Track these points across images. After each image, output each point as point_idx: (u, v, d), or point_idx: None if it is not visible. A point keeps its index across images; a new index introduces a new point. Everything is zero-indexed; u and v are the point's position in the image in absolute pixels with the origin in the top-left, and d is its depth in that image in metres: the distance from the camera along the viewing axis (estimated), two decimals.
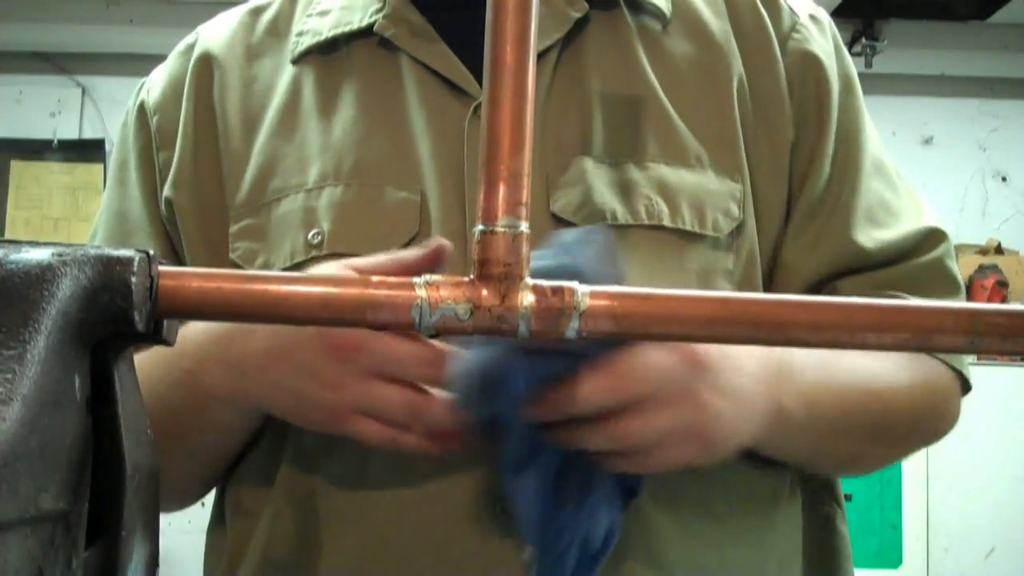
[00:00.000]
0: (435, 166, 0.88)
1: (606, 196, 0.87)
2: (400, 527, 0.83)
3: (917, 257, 0.94)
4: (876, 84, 3.80)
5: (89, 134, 4.06)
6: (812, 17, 0.98)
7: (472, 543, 0.82)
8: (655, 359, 0.71)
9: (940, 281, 0.94)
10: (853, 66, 0.99)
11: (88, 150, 4.04)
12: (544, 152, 0.88)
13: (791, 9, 0.97)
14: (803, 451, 0.89)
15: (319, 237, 0.88)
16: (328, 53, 0.95)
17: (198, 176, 0.95)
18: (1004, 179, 4.19)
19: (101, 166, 3.99)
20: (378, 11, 0.94)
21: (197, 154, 0.95)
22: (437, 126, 0.89)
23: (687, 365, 0.72)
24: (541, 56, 0.90)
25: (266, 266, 0.90)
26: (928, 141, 4.18)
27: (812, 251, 0.92)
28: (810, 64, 0.94)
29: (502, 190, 0.49)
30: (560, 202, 0.87)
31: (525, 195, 0.49)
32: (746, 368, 0.77)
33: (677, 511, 0.85)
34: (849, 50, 3.87)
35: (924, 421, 0.95)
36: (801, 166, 0.93)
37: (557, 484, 0.70)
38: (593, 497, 0.71)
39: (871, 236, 0.93)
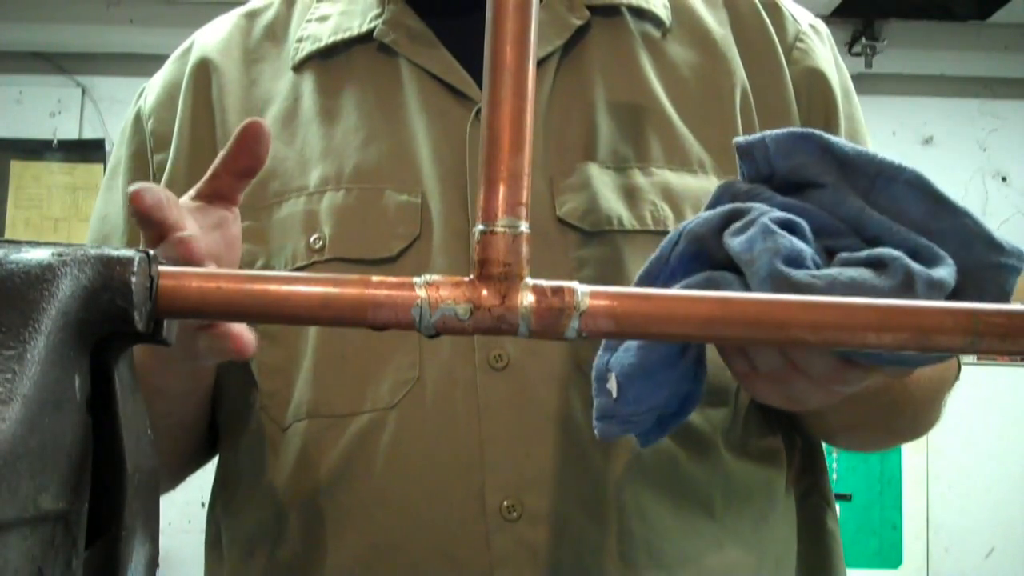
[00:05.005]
0: (436, 169, 0.88)
1: (612, 202, 0.87)
2: (406, 528, 0.83)
3: None
4: (876, 84, 3.79)
5: (89, 134, 4.06)
6: (812, 27, 0.99)
7: (478, 544, 0.82)
8: None
9: None
10: (848, 74, 1.00)
11: (88, 150, 4.03)
12: (547, 156, 0.88)
13: (793, 18, 0.97)
14: None
15: (320, 242, 0.88)
16: (328, 58, 0.95)
17: (193, 174, 0.94)
18: (1004, 179, 4.18)
19: (101, 166, 3.98)
20: (377, 16, 0.94)
21: (194, 153, 0.95)
22: (438, 130, 0.90)
23: None
24: (542, 62, 0.90)
25: (266, 268, 0.89)
26: (928, 141, 4.17)
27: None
28: (816, 79, 0.95)
29: (502, 190, 0.49)
30: (566, 206, 0.87)
31: (525, 195, 0.49)
32: None
33: (679, 509, 0.85)
34: (849, 50, 3.81)
35: (928, 406, 0.94)
36: None
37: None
38: (684, 363, 0.69)
39: None
